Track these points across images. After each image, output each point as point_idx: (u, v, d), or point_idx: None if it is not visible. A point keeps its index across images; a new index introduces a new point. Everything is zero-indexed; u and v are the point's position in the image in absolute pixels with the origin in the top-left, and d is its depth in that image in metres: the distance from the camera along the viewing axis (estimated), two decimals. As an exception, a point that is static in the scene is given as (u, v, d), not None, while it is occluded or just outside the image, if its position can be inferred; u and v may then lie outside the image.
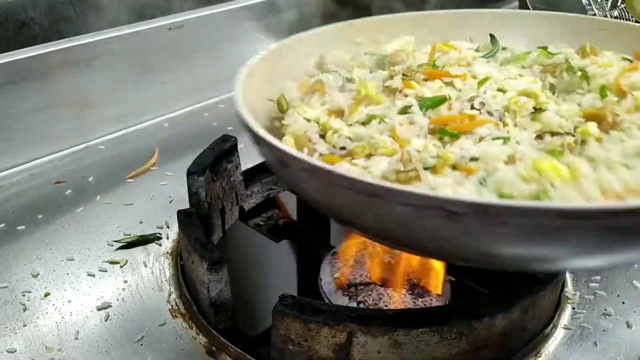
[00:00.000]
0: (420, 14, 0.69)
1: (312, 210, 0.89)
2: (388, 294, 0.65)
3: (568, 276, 0.62)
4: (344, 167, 0.44)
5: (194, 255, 0.53)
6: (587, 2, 1.11)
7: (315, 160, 0.40)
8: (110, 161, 0.82)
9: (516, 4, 1.27)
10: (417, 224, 0.36)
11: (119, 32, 0.86)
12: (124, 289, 0.60)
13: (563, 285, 0.59)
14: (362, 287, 0.66)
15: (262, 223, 0.78)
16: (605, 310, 0.58)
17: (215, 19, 0.95)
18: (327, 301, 0.65)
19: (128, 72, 0.88)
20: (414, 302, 0.64)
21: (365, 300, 0.65)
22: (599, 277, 0.62)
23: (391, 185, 0.35)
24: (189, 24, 0.92)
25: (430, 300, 0.64)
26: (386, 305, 0.64)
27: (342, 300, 0.64)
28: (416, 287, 0.65)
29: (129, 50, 0.88)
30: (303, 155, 0.40)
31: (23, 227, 0.69)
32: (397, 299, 0.65)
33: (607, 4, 1.16)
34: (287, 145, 0.46)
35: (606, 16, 1.13)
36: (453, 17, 0.69)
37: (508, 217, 0.33)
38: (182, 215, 0.57)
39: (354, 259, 0.69)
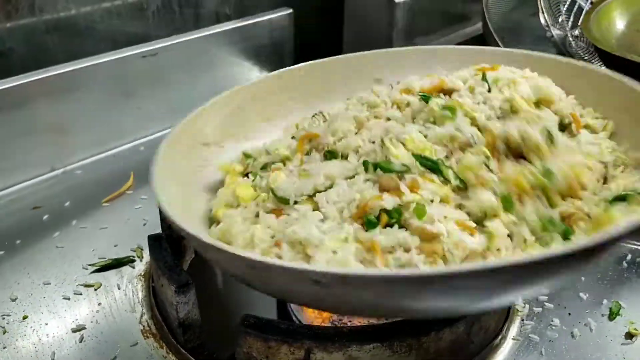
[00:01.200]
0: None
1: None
2: (352, 309, 0.68)
3: (519, 290, 0.65)
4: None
5: (162, 279, 0.57)
6: (546, 23, 1.15)
7: (207, 238, 0.45)
8: (86, 186, 0.85)
9: (479, 25, 1.32)
10: (293, 290, 0.44)
11: (95, 60, 0.90)
12: (97, 311, 0.63)
13: (512, 299, 0.63)
14: (327, 303, 0.69)
15: (234, 243, 0.81)
16: (552, 321, 0.62)
17: (188, 46, 0.99)
18: (294, 317, 0.68)
19: (104, 98, 0.92)
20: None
21: (331, 316, 0.69)
22: (547, 290, 0.65)
23: (262, 259, 0.42)
24: (162, 52, 0.95)
25: (392, 314, 0.67)
26: (350, 321, 0.67)
27: (308, 316, 0.68)
28: (379, 303, 0.69)
29: (105, 77, 0.91)
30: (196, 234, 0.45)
31: (2, 252, 0.72)
32: (360, 314, 0.68)
33: (567, 24, 1.21)
34: None
35: (566, 36, 1.19)
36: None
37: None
38: (152, 240, 0.61)
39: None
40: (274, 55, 1.14)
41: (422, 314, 0.48)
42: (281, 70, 0.74)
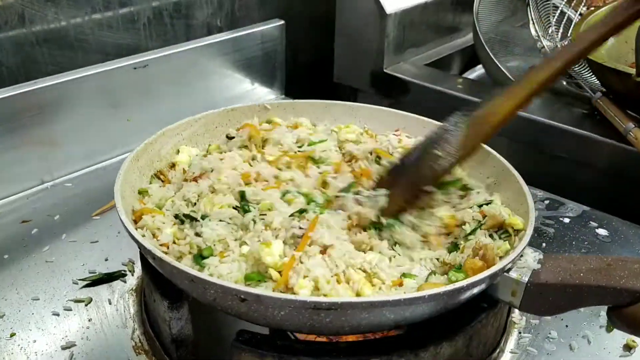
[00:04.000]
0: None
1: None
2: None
3: (515, 302, 0.65)
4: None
5: (155, 294, 0.55)
6: (536, 34, 1.16)
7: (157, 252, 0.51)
8: (76, 199, 0.84)
9: (470, 36, 1.32)
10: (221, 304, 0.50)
11: (85, 72, 0.89)
12: (88, 328, 0.62)
13: (509, 312, 0.62)
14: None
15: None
16: (549, 334, 0.61)
17: (179, 57, 0.98)
18: (289, 333, 0.67)
19: (95, 110, 0.91)
20: (373, 331, 0.66)
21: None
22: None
23: (198, 274, 0.48)
24: (153, 63, 0.94)
25: (388, 328, 0.66)
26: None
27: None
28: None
29: (95, 89, 0.90)
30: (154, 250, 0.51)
31: (-10, 267, 0.70)
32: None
33: (557, 35, 1.22)
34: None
35: (556, 47, 1.19)
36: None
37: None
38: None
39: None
40: (265, 66, 1.14)
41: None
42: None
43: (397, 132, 0.78)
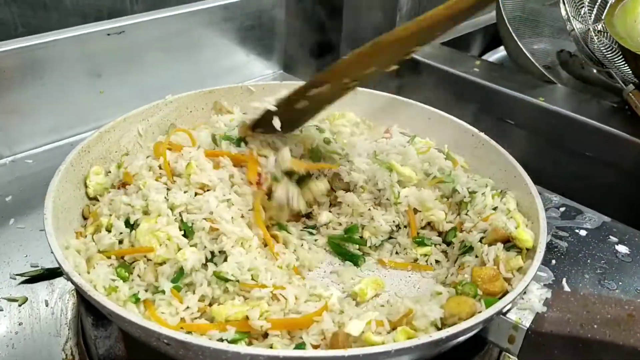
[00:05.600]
0: None
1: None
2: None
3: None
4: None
5: (81, 306, 0.47)
6: (566, 15, 1.04)
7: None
8: (35, 178, 0.76)
9: (493, 14, 1.20)
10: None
11: (53, 37, 0.80)
12: (16, 333, 0.54)
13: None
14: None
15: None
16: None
17: (162, 24, 0.89)
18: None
19: (65, 79, 0.82)
20: None
21: None
22: None
23: (123, 314, 0.41)
24: (131, 30, 0.85)
25: None
26: None
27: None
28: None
29: (66, 56, 0.81)
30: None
31: None
32: None
33: (590, 17, 1.09)
34: None
35: (588, 30, 1.07)
36: None
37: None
38: (77, 257, 0.51)
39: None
40: (263, 37, 1.04)
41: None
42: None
43: (387, 134, 0.69)
